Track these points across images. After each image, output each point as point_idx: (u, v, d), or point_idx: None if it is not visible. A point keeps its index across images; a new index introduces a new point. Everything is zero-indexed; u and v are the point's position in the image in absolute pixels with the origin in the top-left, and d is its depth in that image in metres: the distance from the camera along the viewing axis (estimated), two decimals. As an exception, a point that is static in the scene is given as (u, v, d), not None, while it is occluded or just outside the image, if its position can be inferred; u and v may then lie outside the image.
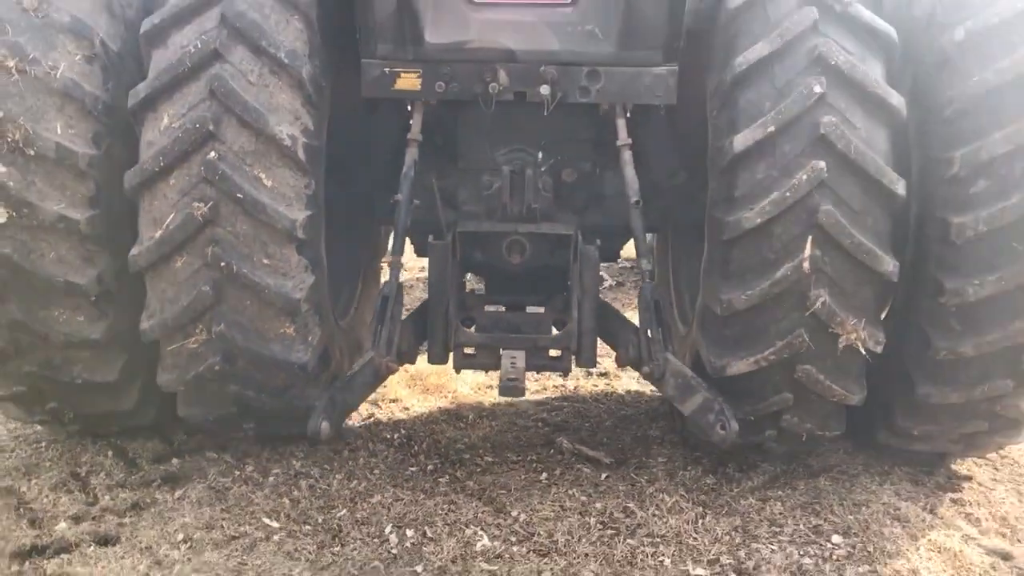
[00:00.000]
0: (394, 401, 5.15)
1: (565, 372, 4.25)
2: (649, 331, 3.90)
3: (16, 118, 3.55)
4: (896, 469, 4.42)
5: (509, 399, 5.16)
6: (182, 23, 3.69)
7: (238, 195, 3.56)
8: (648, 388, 5.43)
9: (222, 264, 3.61)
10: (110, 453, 4.40)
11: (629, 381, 5.58)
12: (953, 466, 4.47)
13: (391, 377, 5.29)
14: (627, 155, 3.96)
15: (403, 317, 4.10)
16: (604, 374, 5.66)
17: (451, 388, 5.33)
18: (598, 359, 5.65)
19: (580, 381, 5.54)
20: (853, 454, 4.54)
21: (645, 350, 3.90)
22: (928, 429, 4.08)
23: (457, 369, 4.21)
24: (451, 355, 4.16)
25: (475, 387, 5.38)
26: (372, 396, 5.12)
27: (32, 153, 3.58)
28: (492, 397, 5.27)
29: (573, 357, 4.10)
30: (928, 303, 3.79)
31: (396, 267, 3.93)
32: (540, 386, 5.44)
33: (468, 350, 4.11)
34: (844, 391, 3.82)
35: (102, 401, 4.13)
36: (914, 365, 3.92)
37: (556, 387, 5.44)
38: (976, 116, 3.61)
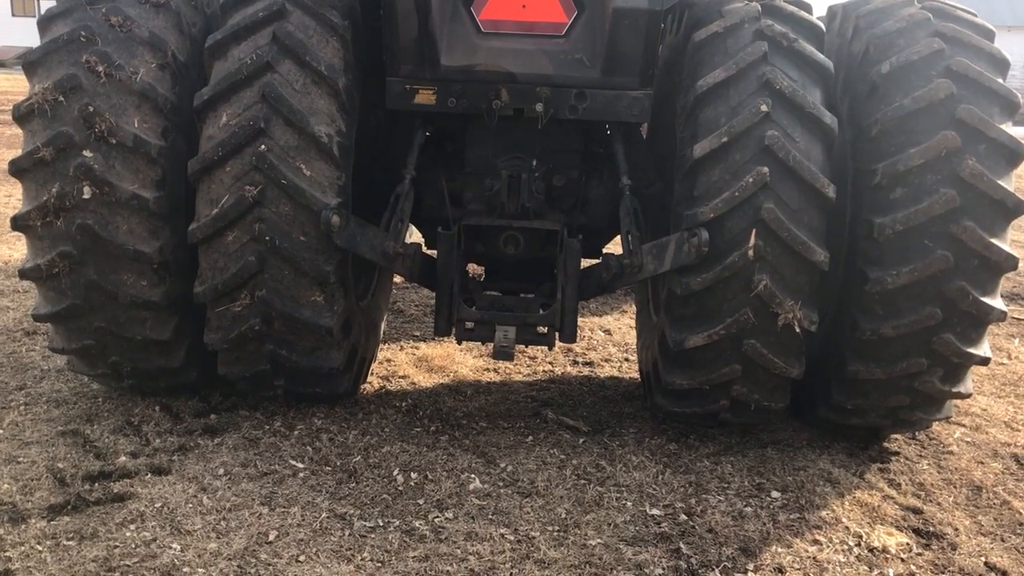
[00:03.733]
0: (403, 377, 5.84)
1: (550, 345, 4.93)
2: (630, 233, 4.58)
3: (103, 112, 4.30)
4: (835, 443, 5.08)
5: (503, 379, 5.89)
6: (240, 39, 4.44)
7: (283, 182, 4.29)
8: (626, 374, 6.13)
9: (267, 239, 4.32)
10: (157, 408, 5.10)
11: (611, 369, 6.26)
12: (885, 443, 5.14)
13: (400, 356, 6.04)
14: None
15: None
16: (589, 363, 6.35)
17: (453, 368, 6.03)
18: (585, 351, 6.40)
19: (567, 368, 6.23)
20: (800, 430, 5.21)
21: (626, 249, 4.57)
22: (859, 403, 4.75)
23: (459, 340, 4.92)
24: (454, 329, 4.87)
25: (474, 368, 6.07)
26: (382, 373, 5.85)
27: (114, 142, 4.31)
28: (489, 376, 5.96)
29: (557, 333, 4.81)
30: (856, 291, 4.48)
31: (409, 175, 4.73)
32: (531, 370, 6.13)
33: (468, 325, 4.82)
34: (785, 364, 4.50)
35: (155, 358, 4.82)
36: (846, 345, 4.60)
37: (545, 372, 6.13)
38: (896, 135, 4.33)
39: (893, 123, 4.34)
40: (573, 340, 4.84)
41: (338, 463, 4.60)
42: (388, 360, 6.11)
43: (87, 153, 4.30)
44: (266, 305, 4.44)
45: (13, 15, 39.61)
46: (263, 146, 4.28)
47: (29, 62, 4.42)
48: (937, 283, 4.30)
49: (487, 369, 6.07)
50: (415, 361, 6.12)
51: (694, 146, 4.34)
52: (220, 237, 4.38)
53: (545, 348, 6.50)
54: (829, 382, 4.78)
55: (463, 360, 6.17)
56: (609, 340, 6.93)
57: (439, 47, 4.61)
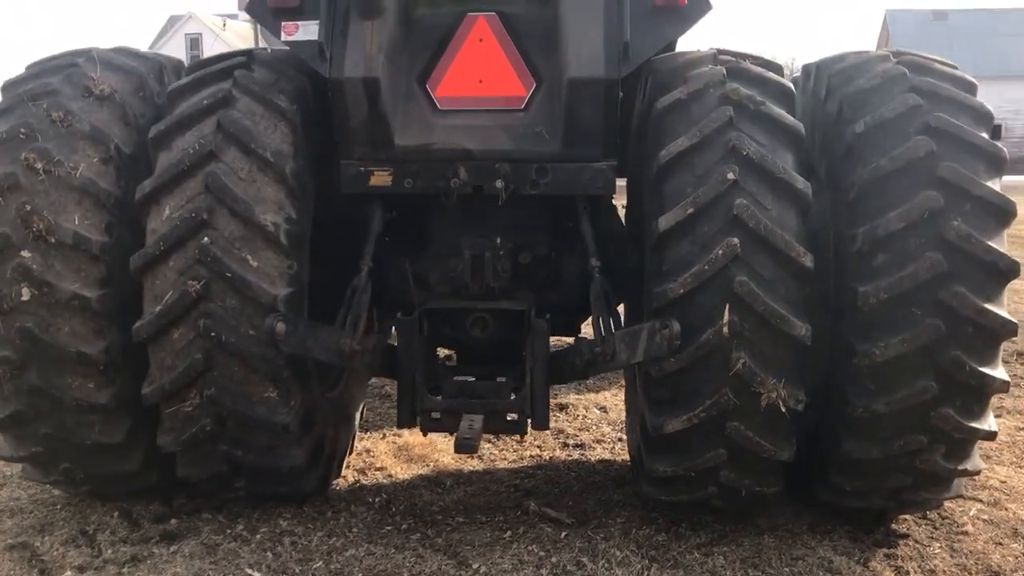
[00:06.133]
0: (380, 469, 5.55)
1: (521, 434, 4.65)
2: (601, 318, 4.30)
3: (41, 211, 4.13)
4: (838, 528, 4.69)
5: (487, 466, 5.60)
6: (184, 129, 4.29)
7: (227, 274, 4.08)
8: (619, 456, 5.80)
9: (212, 335, 4.10)
10: (116, 513, 4.83)
11: (603, 451, 5.94)
12: (893, 524, 4.75)
13: (380, 446, 5.77)
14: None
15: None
16: (580, 445, 6.03)
17: (434, 457, 5.73)
18: (577, 432, 6.10)
19: (556, 452, 5.92)
20: (801, 514, 4.83)
21: (597, 334, 4.28)
22: (858, 485, 4.39)
23: (424, 432, 4.65)
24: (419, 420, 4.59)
25: (457, 457, 5.75)
26: (359, 465, 5.57)
27: (53, 240, 4.14)
28: (472, 465, 5.66)
29: (529, 420, 4.52)
30: (845, 364, 4.17)
31: (366, 265, 4.48)
32: (517, 455, 5.82)
33: (435, 415, 4.55)
34: (773, 447, 4.17)
35: (109, 462, 4.58)
36: (838, 423, 4.27)
37: (532, 456, 5.81)
38: (874, 198, 4.06)
39: (870, 185, 4.08)
40: (546, 426, 4.55)
41: (297, 570, 4.29)
42: (367, 451, 5.83)
43: (25, 253, 4.13)
44: (216, 404, 4.21)
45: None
46: (206, 238, 4.09)
47: (-32, 163, 4.29)
48: (930, 354, 3.98)
49: (470, 457, 5.77)
50: (395, 451, 5.83)
51: (659, 218, 4.10)
52: (166, 334, 4.18)
53: (531, 432, 6.24)
54: (825, 463, 4.44)
55: (445, 447, 5.86)
56: (604, 419, 6.61)
57: (392, 127, 4.44)
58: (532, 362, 4.42)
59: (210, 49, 49.10)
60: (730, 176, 4.01)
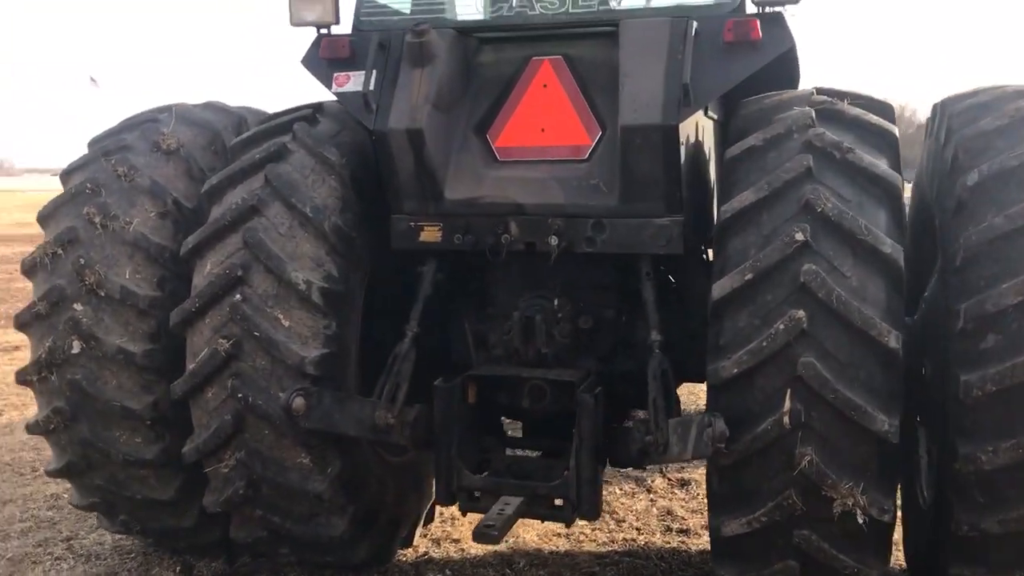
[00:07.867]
0: (455, 541, 5.20)
1: (566, 523, 4.16)
2: (656, 402, 3.76)
3: (94, 264, 4.18)
4: (962, 664, 3.84)
5: (571, 547, 5.12)
6: (236, 183, 4.21)
7: (256, 333, 3.93)
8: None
9: (240, 396, 3.96)
10: (178, 568, 4.80)
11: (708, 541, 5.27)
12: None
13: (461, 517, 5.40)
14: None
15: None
16: (684, 531, 5.38)
17: (516, 532, 5.29)
18: (688, 515, 5.49)
19: (655, 536, 5.31)
20: (917, 641, 4.02)
21: (653, 421, 3.74)
22: (974, 620, 3.56)
23: (463, 512, 4.25)
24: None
25: (542, 533, 5.31)
26: (436, 534, 5.26)
27: (103, 294, 4.17)
28: (555, 544, 5.19)
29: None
30: (950, 469, 3.40)
31: (411, 331, 4.18)
32: (609, 537, 5.27)
33: (476, 493, 4.14)
34: (856, 563, 3.45)
35: (164, 517, 4.54)
36: (946, 540, 3.49)
37: (625, 540, 5.24)
38: (984, 265, 3.32)
39: (980, 248, 3.33)
40: (594, 516, 4.02)
41: (327, 650, 4.04)
42: (452, 518, 5.51)
43: (77, 306, 4.18)
44: (247, 468, 4.05)
45: None
46: (239, 295, 3.97)
47: (42, 216, 4.44)
48: (1056, 464, 3.15)
49: (557, 534, 5.30)
50: (475, 521, 5.44)
51: (715, 284, 3.53)
52: (200, 393, 4.07)
53: (636, 509, 5.70)
54: (935, 585, 3.64)
55: (530, 523, 5.40)
56: (725, 500, 5.91)
57: (442, 180, 4.16)
58: (578, 442, 3.92)
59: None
60: (799, 236, 3.39)
